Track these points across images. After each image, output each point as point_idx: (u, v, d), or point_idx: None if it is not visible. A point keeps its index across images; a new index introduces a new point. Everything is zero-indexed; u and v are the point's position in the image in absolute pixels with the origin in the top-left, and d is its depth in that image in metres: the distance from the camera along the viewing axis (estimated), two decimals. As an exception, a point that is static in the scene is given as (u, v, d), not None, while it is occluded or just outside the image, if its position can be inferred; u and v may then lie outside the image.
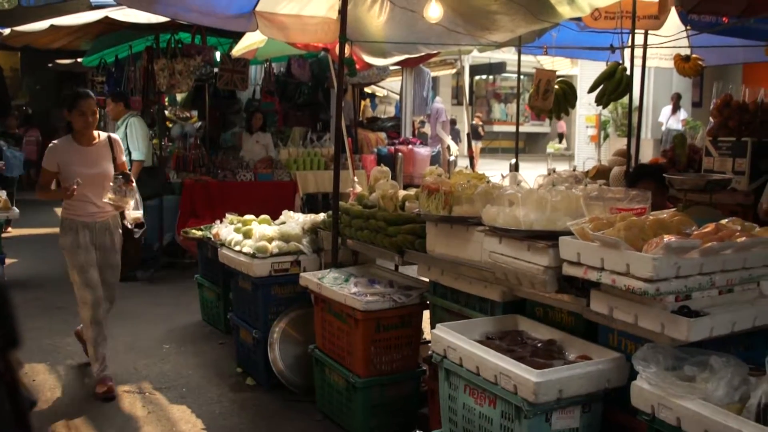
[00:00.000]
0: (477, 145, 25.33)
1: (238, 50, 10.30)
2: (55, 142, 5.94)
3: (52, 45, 12.14)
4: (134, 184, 5.98)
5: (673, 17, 7.44)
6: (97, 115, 5.95)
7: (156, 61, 10.28)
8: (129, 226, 6.22)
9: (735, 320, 3.05)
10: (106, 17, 9.72)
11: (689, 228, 3.22)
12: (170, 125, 12.87)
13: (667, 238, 2.95)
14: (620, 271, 2.99)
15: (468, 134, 12.15)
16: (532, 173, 5.66)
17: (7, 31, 10.84)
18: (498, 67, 33.37)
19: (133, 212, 6.17)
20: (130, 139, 9.39)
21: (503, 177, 4.39)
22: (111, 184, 5.79)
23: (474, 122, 25.81)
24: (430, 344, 3.80)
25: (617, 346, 3.37)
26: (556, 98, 7.43)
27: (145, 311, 8.14)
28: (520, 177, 4.11)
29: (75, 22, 10.43)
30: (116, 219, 6.06)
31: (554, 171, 4.84)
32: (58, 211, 6.53)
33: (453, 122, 23.46)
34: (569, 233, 3.34)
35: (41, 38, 11.35)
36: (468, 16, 6.03)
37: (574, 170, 4.64)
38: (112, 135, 6.14)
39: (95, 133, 6.00)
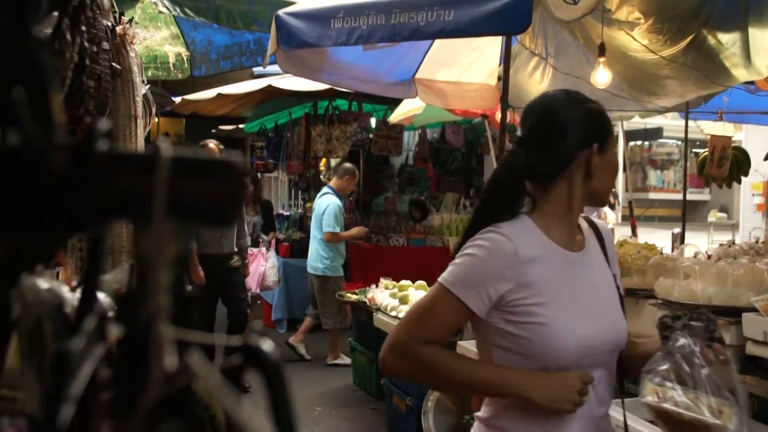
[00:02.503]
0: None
1: (396, 117, 10.44)
2: (495, 232, 1.96)
3: (216, 112, 12.74)
4: None
5: None
6: None
7: (314, 127, 10.58)
8: None
9: None
10: (269, 85, 10.11)
11: None
12: (324, 189, 13.17)
13: None
14: (816, 353, 2.74)
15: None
16: (693, 243, 5.40)
17: (178, 99, 11.44)
18: (654, 133, 32.47)
19: None
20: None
21: (675, 248, 4.17)
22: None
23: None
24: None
25: (811, 436, 3.08)
26: (730, 165, 7.10)
27: (297, 373, 8.20)
28: (697, 248, 3.88)
29: (240, 91, 10.93)
30: None
31: (734, 243, 4.55)
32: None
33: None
34: (753, 309, 3.10)
35: (207, 106, 11.95)
36: (635, 81, 5.86)
37: (757, 242, 4.36)
38: (598, 222, 2.32)
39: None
